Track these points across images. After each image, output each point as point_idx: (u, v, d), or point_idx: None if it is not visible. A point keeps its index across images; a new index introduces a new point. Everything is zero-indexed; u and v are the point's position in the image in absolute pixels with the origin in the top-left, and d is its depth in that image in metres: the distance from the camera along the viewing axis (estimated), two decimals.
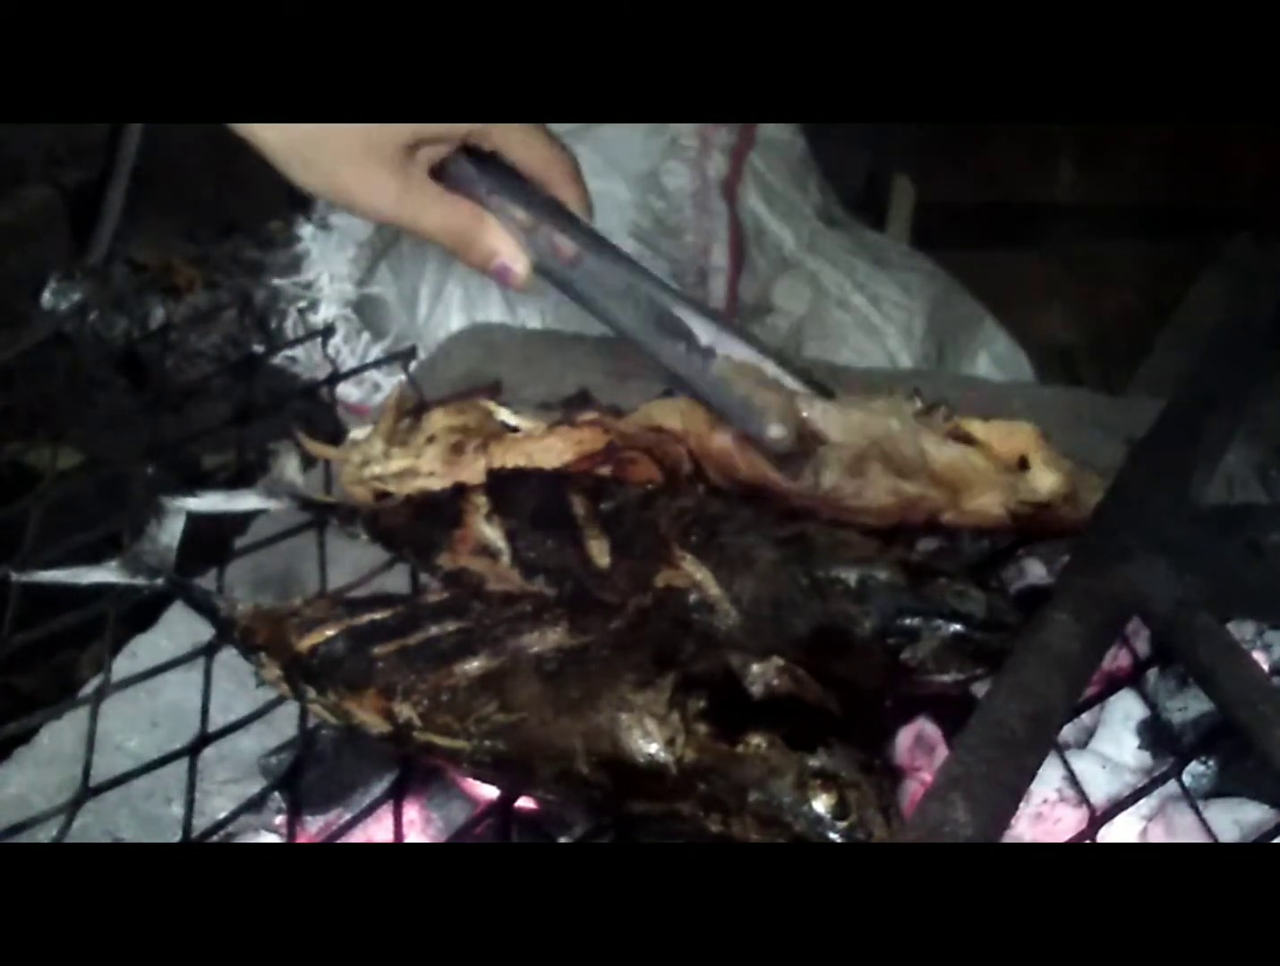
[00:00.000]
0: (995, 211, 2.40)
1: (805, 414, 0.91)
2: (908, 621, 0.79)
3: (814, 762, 0.72)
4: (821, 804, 0.71)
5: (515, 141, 0.90)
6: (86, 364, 2.04)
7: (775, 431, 0.90)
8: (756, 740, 0.72)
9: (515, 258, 0.91)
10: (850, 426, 0.89)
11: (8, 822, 0.91)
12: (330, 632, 0.85)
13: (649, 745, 0.74)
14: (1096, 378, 2.04)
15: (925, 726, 0.86)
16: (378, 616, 0.85)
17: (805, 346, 1.69)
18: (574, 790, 0.76)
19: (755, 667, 0.76)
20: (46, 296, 2.09)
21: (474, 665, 0.79)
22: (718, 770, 0.72)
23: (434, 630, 0.82)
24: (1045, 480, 0.86)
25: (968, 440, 0.87)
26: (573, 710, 0.76)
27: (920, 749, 0.86)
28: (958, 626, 0.78)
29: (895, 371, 1.58)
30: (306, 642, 0.85)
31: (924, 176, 2.34)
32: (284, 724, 0.92)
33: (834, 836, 0.70)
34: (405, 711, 0.80)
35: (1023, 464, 0.86)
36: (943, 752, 0.83)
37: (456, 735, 0.78)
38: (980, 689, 0.83)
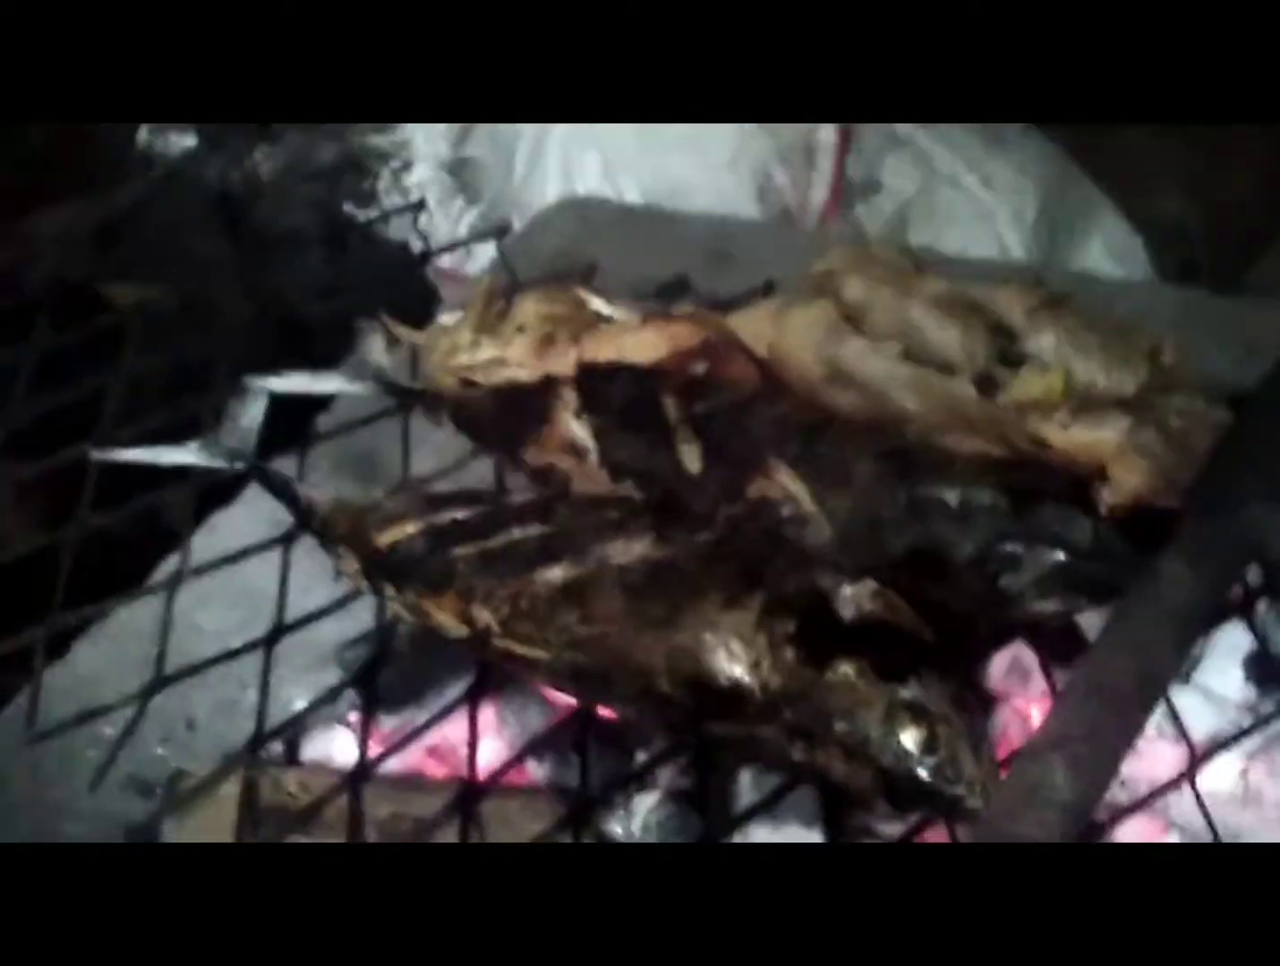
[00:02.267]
0: None
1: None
2: (1009, 547, 0.75)
3: (904, 694, 0.69)
4: (910, 737, 0.68)
5: None
6: (184, 209, 2.01)
7: None
8: (845, 668, 0.70)
9: None
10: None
11: (81, 702, 0.91)
12: (411, 529, 0.83)
13: (733, 667, 0.71)
14: (1213, 264, 1.97)
15: (1022, 651, 0.83)
16: (460, 515, 0.83)
17: (912, 229, 1.63)
18: (654, 708, 0.74)
19: (847, 590, 0.73)
20: (142, 137, 2.06)
21: (556, 573, 0.77)
22: (803, 697, 0.70)
23: (517, 533, 0.80)
24: (1129, 485, 0.81)
25: (1044, 446, 0.82)
26: (656, 627, 0.73)
27: (1016, 674, 0.83)
28: (1061, 555, 0.75)
29: (1006, 264, 1.53)
30: (386, 538, 0.83)
31: None
32: (363, 613, 0.90)
33: (921, 772, 0.68)
34: (484, 616, 0.78)
35: (1102, 475, 0.81)
36: (1039, 679, 0.80)
37: (535, 644, 0.76)
38: (1083, 620, 0.81)
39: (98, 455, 0.93)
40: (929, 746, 0.68)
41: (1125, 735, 0.60)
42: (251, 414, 0.92)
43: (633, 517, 0.79)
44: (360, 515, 0.85)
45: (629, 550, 0.77)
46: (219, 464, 0.91)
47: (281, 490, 0.90)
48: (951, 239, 1.62)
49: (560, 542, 0.78)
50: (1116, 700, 0.60)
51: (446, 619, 0.79)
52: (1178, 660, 0.65)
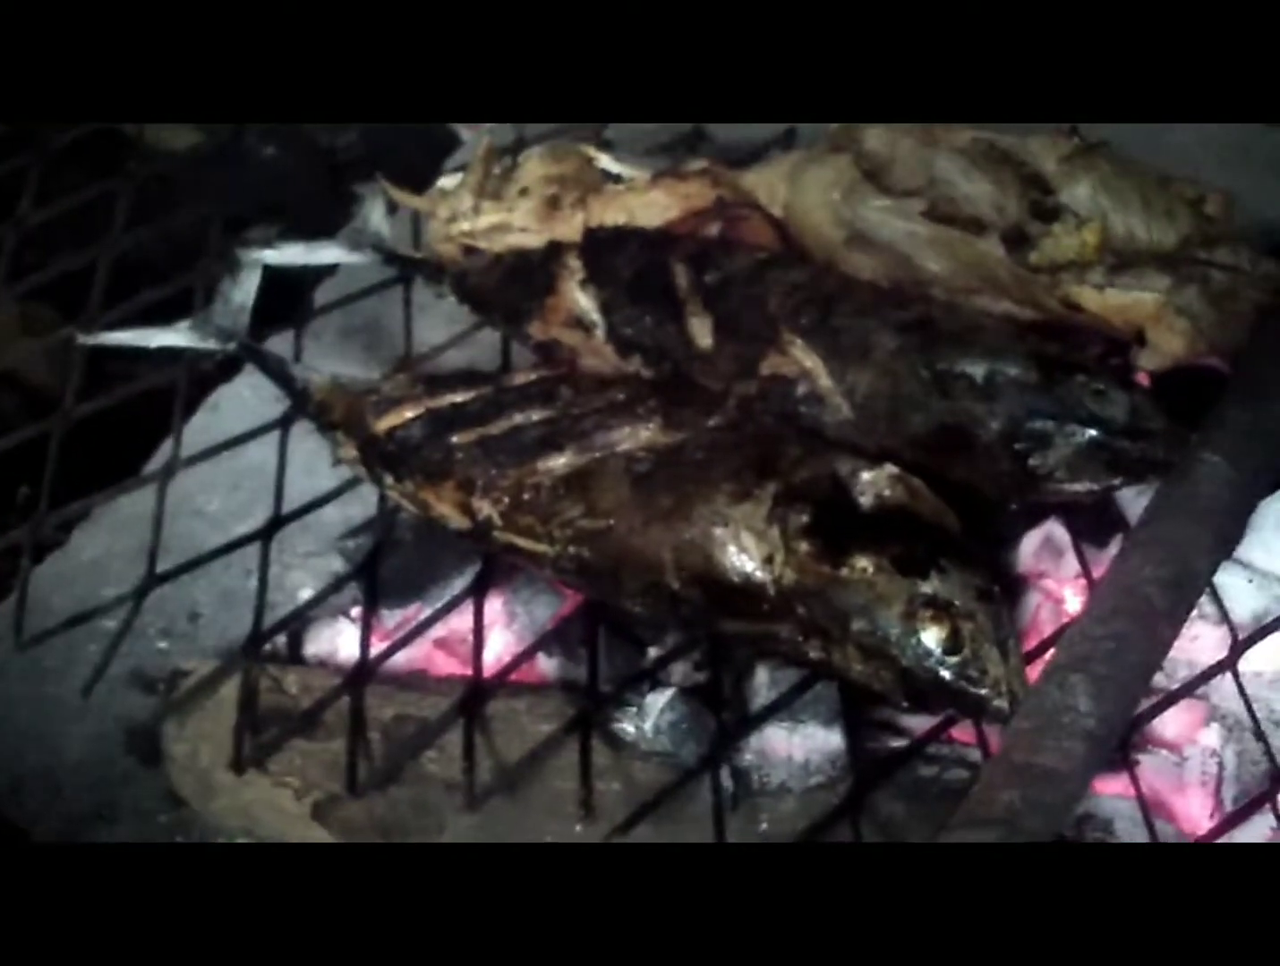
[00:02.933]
0: None
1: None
2: (1039, 424, 0.71)
3: (925, 589, 0.65)
4: (931, 636, 0.65)
5: None
6: None
7: None
8: (863, 563, 0.66)
9: None
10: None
11: (81, 592, 0.88)
12: (409, 414, 0.79)
13: (745, 562, 0.67)
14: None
15: (1054, 528, 0.78)
16: (459, 398, 0.79)
17: None
18: (663, 604, 0.71)
19: (865, 476, 0.69)
20: None
21: (559, 462, 0.73)
22: (819, 594, 0.66)
23: (518, 419, 0.76)
24: (1168, 348, 0.75)
25: (1078, 309, 0.77)
26: (663, 519, 0.69)
27: (1048, 553, 0.79)
28: (1095, 432, 0.70)
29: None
30: (384, 424, 0.79)
31: None
32: (368, 494, 0.86)
33: (944, 673, 0.64)
34: (485, 508, 0.74)
35: (1140, 339, 0.76)
36: (1071, 558, 0.76)
37: (539, 538, 0.73)
38: (1119, 496, 0.76)
39: (84, 339, 0.89)
40: (952, 645, 0.64)
41: (1154, 650, 0.56)
42: (244, 289, 0.88)
43: (640, 399, 0.75)
44: (357, 399, 0.81)
45: (635, 436, 0.73)
46: (211, 345, 0.87)
47: (276, 372, 0.86)
48: None
49: (563, 429, 0.74)
50: (1145, 612, 0.56)
51: (447, 510, 0.76)
52: (1212, 563, 0.60)
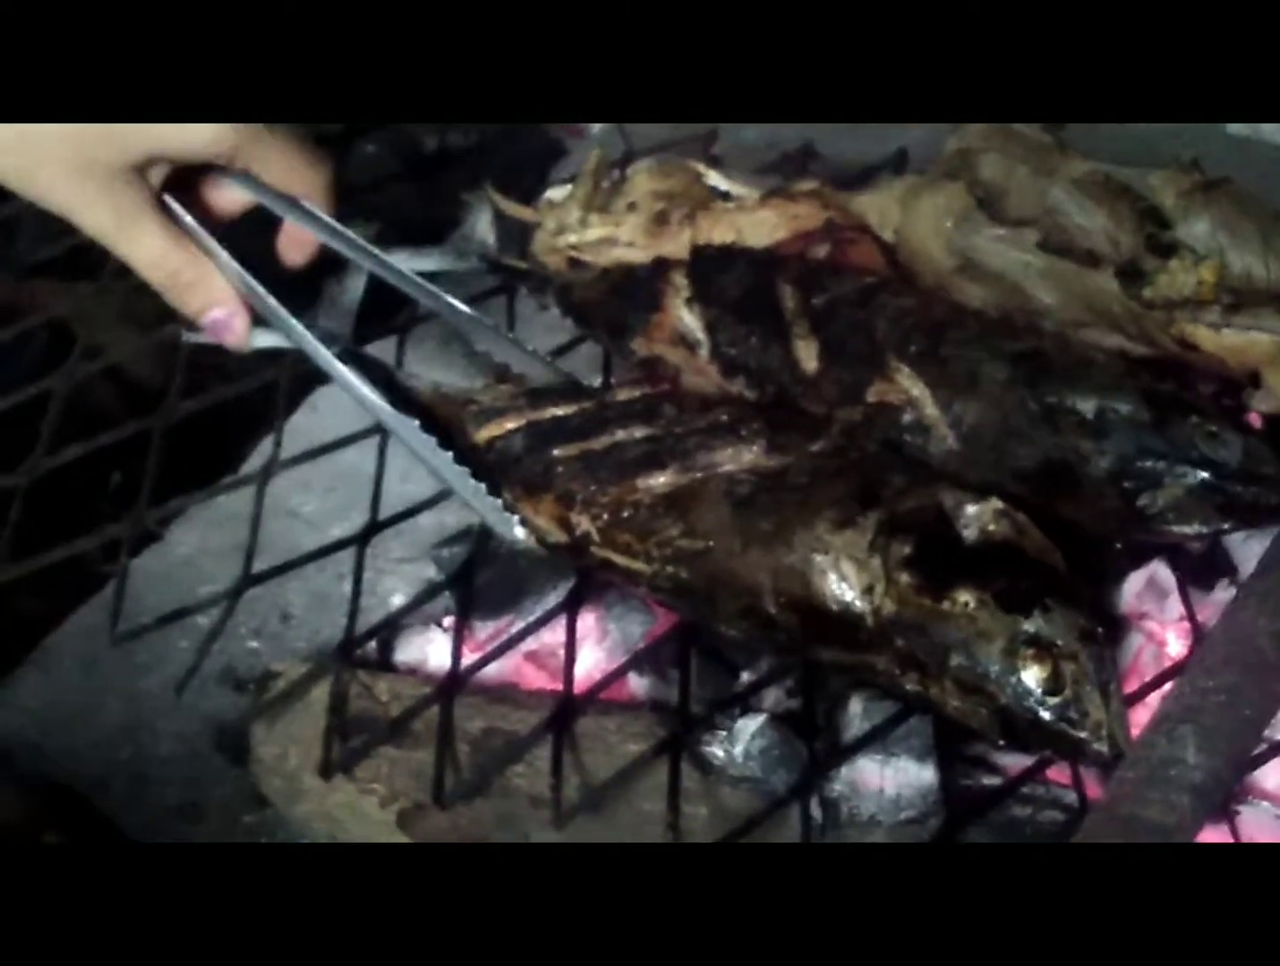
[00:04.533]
0: None
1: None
2: (1149, 463, 0.69)
3: (1028, 627, 0.64)
4: (1032, 675, 0.63)
5: (270, 160, 0.79)
6: None
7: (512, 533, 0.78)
8: (965, 597, 0.65)
9: (234, 311, 0.80)
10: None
11: (177, 589, 0.89)
12: (510, 426, 0.79)
13: (845, 591, 0.67)
14: None
15: (1159, 570, 0.77)
16: (561, 412, 0.78)
17: None
18: (759, 629, 0.70)
19: (970, 509, 0.68)
20: None
21: (660, 481, 0.73)
22: (919, 626, 0.65)
23: (620, 435, 0.76)
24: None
25: (1192, 348, 0.75)
26: (763, 543, 0.69)
27: (1152, 595, 0.78)
28: (1206, 474, 0.68)
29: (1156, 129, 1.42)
30: (485, 434, 0.79)
31: None
32: (462, 507, 0.86)
33: (1044, 714, 0.63)
34: (584, 523, 0.74)
35: (1255, 381, 0.74)
36: (1176, 601, 0.74)
37: (636, 556, 0.72)
38: (1226, 540, 0.75)
39: (188, 337, 0.89)
40: (1053, 686, 0.63)
41: (1266, 703, 0.55)
42: (350, 294, 0.88)
43: (744, 421, 0.74)
44: (459, 408, 0.81)
45: (738, 458, 0.72)
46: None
47: (379, 377, 0.85)
48: None
49: (666, 447, 0.74)
50: (1257, 664, 0.55)
51: (545, 523, 0.76)
52: None
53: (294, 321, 0.82)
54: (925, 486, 0.69)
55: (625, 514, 0.72)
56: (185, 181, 0.79)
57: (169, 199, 0.79)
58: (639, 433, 0.75)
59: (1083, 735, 0.62)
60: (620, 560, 0.73)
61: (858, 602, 0.66)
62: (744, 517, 0.70)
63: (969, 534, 0.67)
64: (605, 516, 0.73)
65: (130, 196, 0.76)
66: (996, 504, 0.68)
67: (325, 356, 0.82)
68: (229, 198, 0.82)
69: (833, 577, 0.67)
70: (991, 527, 0.67)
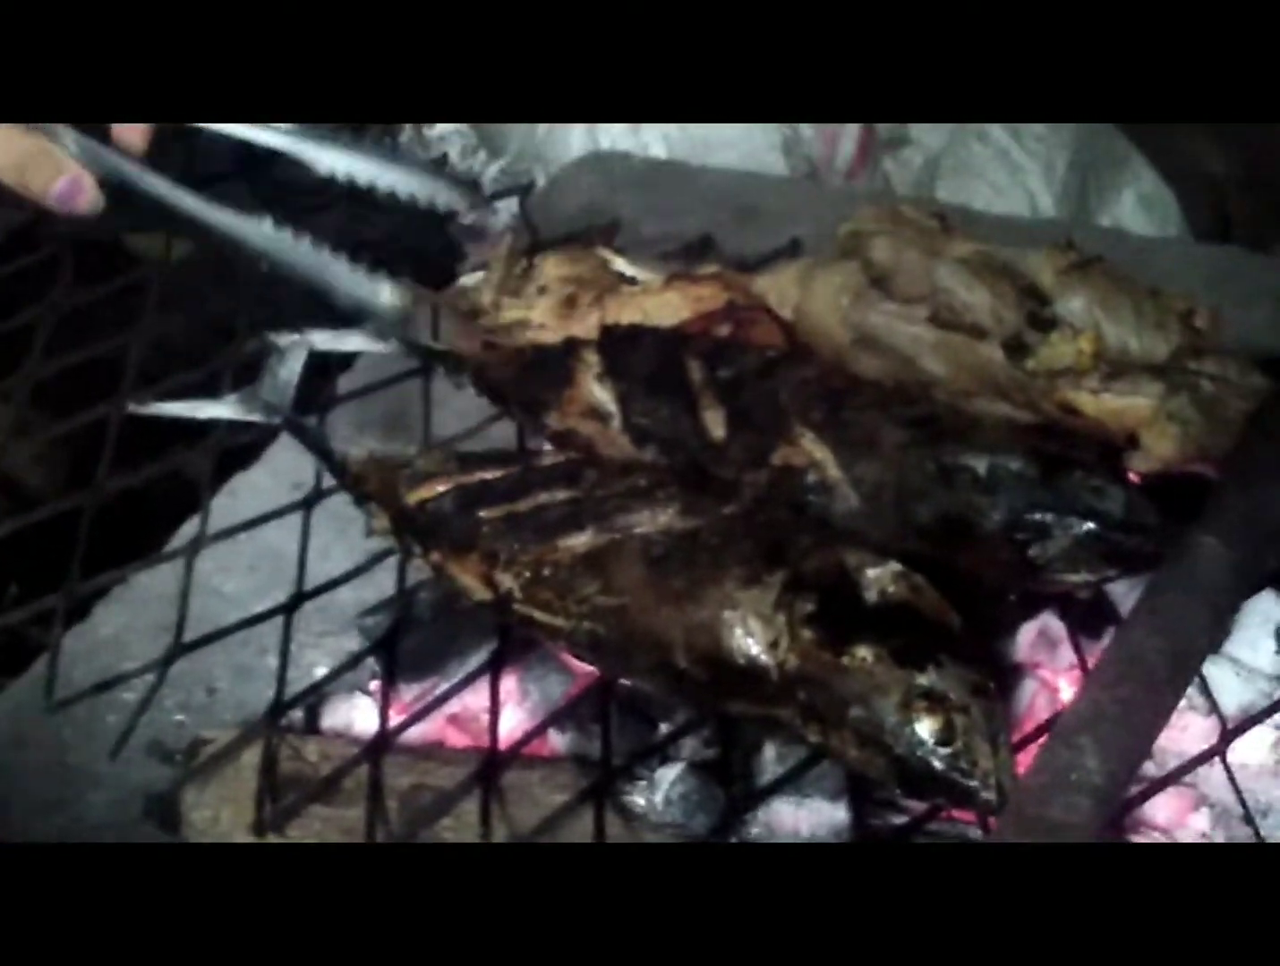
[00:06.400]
0: None
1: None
2: (1038, 516, 0.73)
3: (922, 680, 0.67)
4: (925, 727, 0.66)
5: None
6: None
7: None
8: (863, 652, 0.68)
9: (77, 176, 0.88)
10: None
11: (102, 666, 0.91)
12: (440, 488, 0.82)
13: (751, 646, 0.70)
14: (1247, 220, 1.94)
15: (1049, 620, 0.81)
16: (489, 476, 0.82)
17: (940, 183, 1.61)
18: (671, 682, 0.73)
19: (871, 572, 0.71)
20: None
21: (580, 540, 0.76)
22: (819, 680, 0.68)
23: (544, 497, 0.79)
24: (1159, 452, 0.79)
25: (1074, 413, 0.80)
26: (675, 600, 0.72)
27: (1043, 644, 0.82)
28: (1092, 525, 0.73)
29: (1034, 221, 1.50)
30: (416, 496, 0.83)
31: None
32: (383, 578, 0.90)
33: (936, 763, 0.66)
34: (507, 581, 0.77)
35: (1133, 442, 0.79)
36: (1066, 649, 0.79)
37: (556, 612, 0.75)
38: (1113, 590, 0.79)
39: (134, 408, 0.92)
40: (945, 737, 0.66)
41: (1157, 715, 0.59)
42: (290, 368, 0.91)
43: (660, 485, 0.78)
44: (392, 472, 0.85)
45: (654, 519, 0.76)
46: (255, 418, 0.90)
47: (317, 445, 0.89)
48: (980, 193, 1.60)
49: (586, 509, 0.77)
50: (1148, 679, 0.59)
51: (470, 582, 0.79)
52: (1210, 637, 0.63)
53: (144, 170, 0.90)
54: (829, 547, 0.73)
55: (546, 572, 0.76)
56: None
57: None
58: (561, 495, 0.79)
59: (973, 784, 0.65)
60: (541, 616, 0.76)
61: (763, 657, 0.69)
62: (658, 576, 0.73)
63: (869, 594, 0.71)
64: (527, 574, 0.76)
65: None
66: (895, 566, 0.71)
67: (183, 196, 0.90)
68: None
69: (740, 633, 0.70)
70: (890, 588, 0.71)
